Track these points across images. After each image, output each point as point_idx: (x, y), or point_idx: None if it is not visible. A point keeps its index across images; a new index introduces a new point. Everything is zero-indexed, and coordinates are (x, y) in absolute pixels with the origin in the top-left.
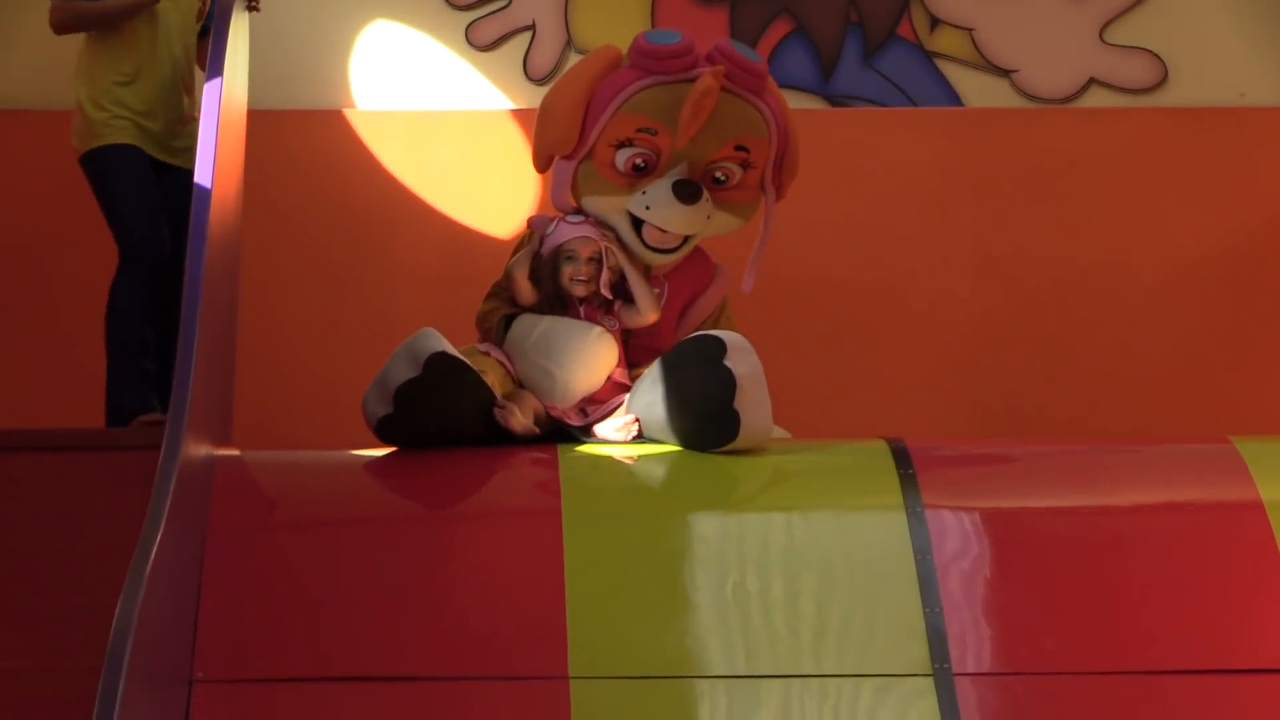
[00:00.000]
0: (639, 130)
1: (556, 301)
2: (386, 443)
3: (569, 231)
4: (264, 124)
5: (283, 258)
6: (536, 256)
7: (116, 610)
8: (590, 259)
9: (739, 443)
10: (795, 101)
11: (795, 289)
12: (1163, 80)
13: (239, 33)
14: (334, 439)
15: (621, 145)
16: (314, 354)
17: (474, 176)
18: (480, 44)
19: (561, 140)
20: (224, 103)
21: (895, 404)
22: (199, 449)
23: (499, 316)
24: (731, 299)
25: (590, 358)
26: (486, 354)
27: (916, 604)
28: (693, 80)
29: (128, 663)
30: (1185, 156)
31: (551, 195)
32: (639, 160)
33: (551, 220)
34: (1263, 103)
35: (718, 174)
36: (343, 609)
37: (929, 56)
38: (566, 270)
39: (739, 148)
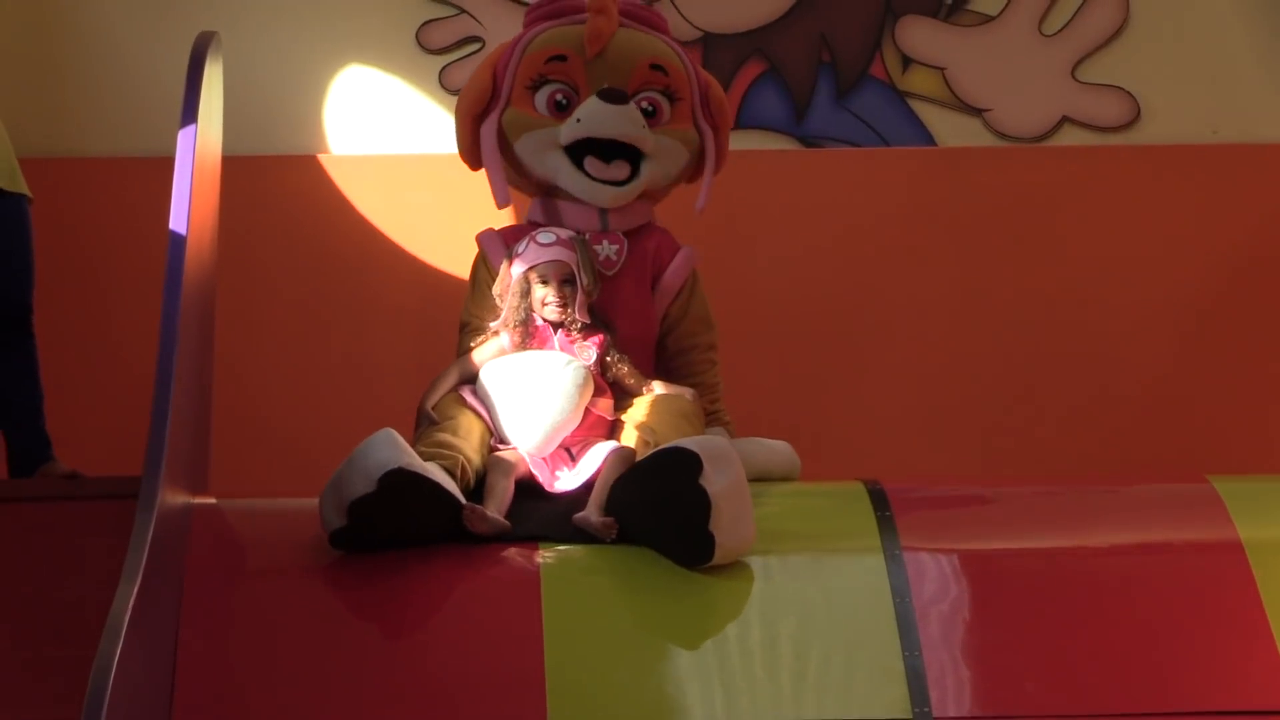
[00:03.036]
0: (548, 61)
1: (523, 329)
2: (343, 551)
3: (540, 254)
4: (238, 169)
5: (258, 303)
6: (504, 276)
7: (94, 662)
8: (564, 282)
9: (715, 561)
10: (768, 142)
11: (769, 328)
12: (1135, 118)
13: (212, 78)
14: (312, 486)
15: (537, 85)
16: (290, 400)
17: (448, 220)
18: (454, 88)
19: (475, 96)
20: (198, 148)
21: (872, 445)
22: (176, 498)
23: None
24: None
25: (560, 395)
26: (466, 404)
27: (896, 647)
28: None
29: (105, 715)
30: (1158, 194)
31: (484, 160)
32: (559, 96)
33: (520, 240)
34: (1235, 139)
35: (644, 104)
36: (321, 658)
37: (901, 96)
38: (537, 295)
39: (655, 67)
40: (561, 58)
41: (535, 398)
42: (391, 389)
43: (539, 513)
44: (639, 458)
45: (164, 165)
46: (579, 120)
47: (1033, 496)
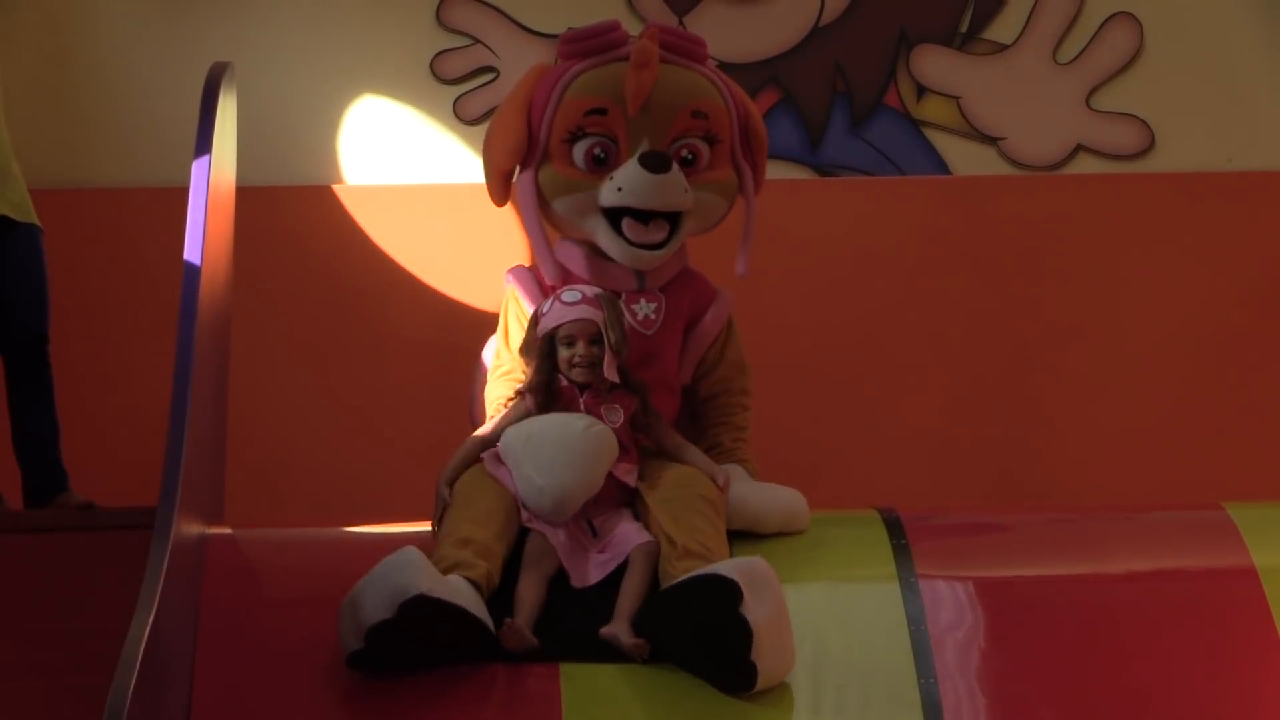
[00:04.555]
0: (587, 114)
1: (547, 393)
2: (360, 671)
3: (565, 313)
4: (253, 200)
5: (273, 333)
6: (530, 337)
7: (110, 692)
8: (591, 342)
9: (758, 689)
10: (783, 171)
11: (784, 357)
12: (1150, 146)
13: (226, 109)
14: (327, 515)
15: (575, 138)
16: (306, 429)
17: (463, 249)
18: (468, 118)
19: (509, 149)
20: (212, 179)
21: (887, 473)
22: (190, 528)
23: (499, 400)
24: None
25: (580, 458)
26: (488, 475)
27: (911, 675)
28: (627, 57)
29: None
30: (1173, 222)
31: (524, 221)
32: (597, 150)
33: (546, 299)
34: (1249, 167)
35: (684, 152)
36: (337, 687)
37: (916, 125)
38: (564, 356)
39: (697, 114)
40: (602, 110)
41: (555, 461)
42: (407, 419)
43: (565, 617)
44: (663, 559)
45: (178, 196)
46: (620, 189)
47: (1048, 524)
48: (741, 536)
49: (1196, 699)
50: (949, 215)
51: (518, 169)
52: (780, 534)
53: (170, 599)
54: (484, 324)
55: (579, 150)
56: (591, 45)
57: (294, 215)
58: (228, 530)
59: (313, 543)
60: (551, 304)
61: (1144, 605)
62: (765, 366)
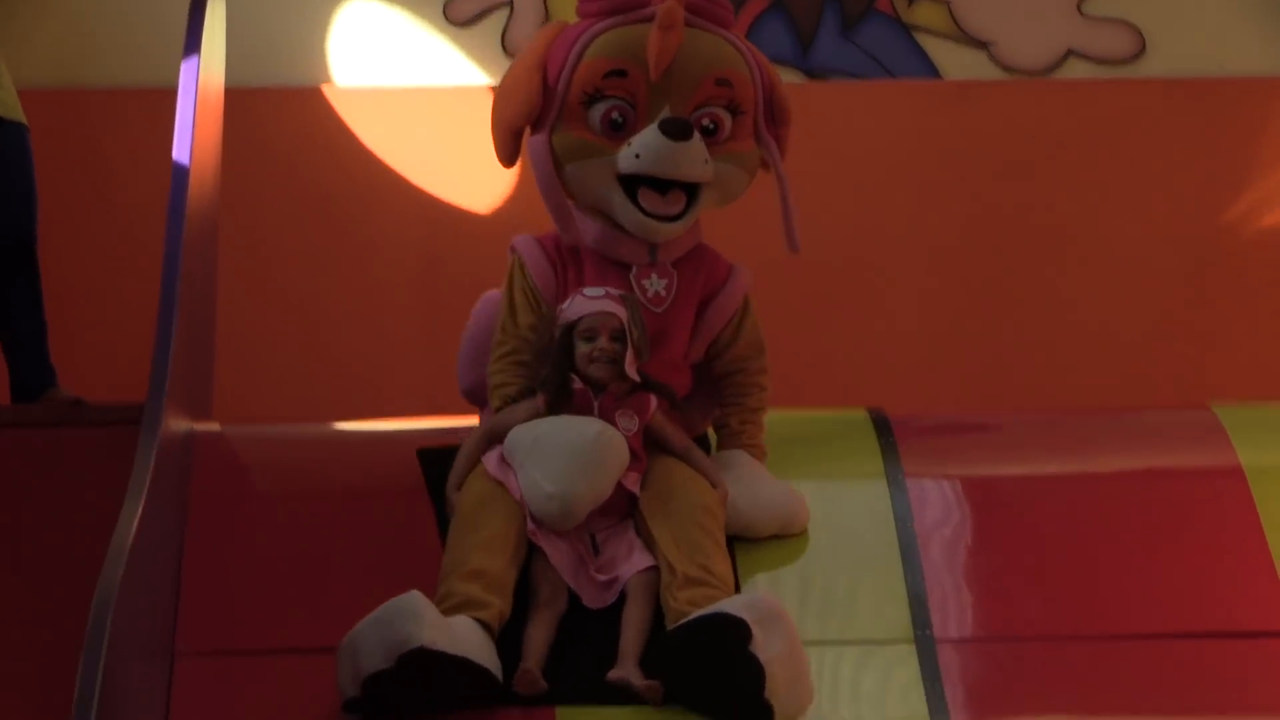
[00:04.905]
0: (606, 75)
1: (560, 392)
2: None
3: (588, 306)
4: (241, 101)
5: (262, 234)
6: (547, 337)
7: (97, 585)
8: (613, 337)
9: None
10: None
11: (774, 258)
12: (1141, 51)
13: (215, 9)
14: (314, 412)
15: (592, 100)
16: (294, 328)
17: (452, 152)
18: (458, 20)
19: (522, 107)
20: (201, 79)
21: (876, 373)
22: (179, 423)
23: (503, 394)
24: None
25: (590, 466)
26: (491, 480)
27: (898, 571)
28: (651, 18)
29: (109, 637)
30: (1164, 127)
31: (539, 185)
32: (615, 114)
33: (554, 270)
34: (1241, 73)
35: (705, 121)
36: (324, 582)
37: (907, 29)
38: (582, 351)
39: (720, 82)
40: (622, 73)
41: (564, 467)
42: (396, 320)
43: (568, 655)
44: (664, 588)
45: (167, 97)
46: (638, 156)
47: (1035, 424)
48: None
49: (1182, 597)
50: (939, 119)
51: (529, 130)
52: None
53: (158, 494)
54: (472, 225)
55: (596, 113)
56: (614, 3)
57: (282, 116)
58: (216, 426)
59: (301, 439)
60: (573, 299)
61: (1131, 504)
62: (754, 268)
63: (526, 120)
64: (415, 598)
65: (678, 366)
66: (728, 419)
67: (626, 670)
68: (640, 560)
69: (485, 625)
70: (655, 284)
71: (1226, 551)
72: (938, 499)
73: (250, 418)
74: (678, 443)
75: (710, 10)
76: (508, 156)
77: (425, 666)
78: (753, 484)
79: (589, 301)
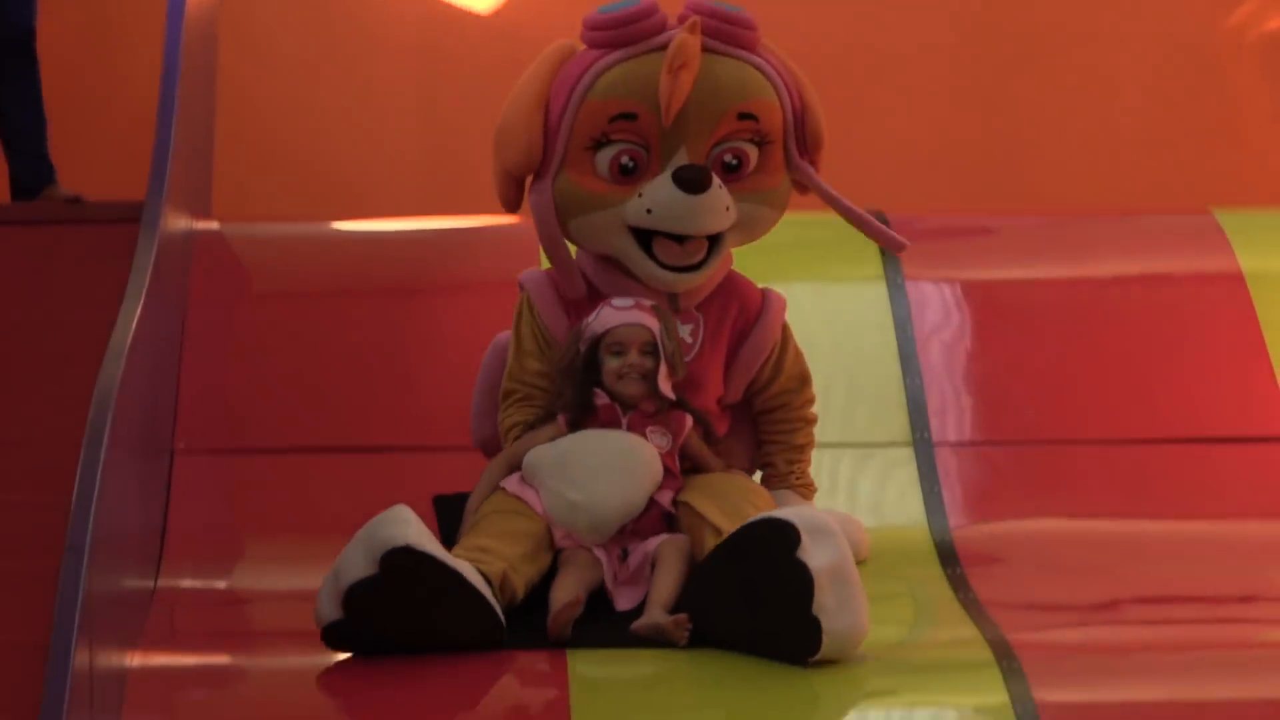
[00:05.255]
0: (615, 119)
1: (583, 411)
2: (338, 650)
3: (616, 318)
4: None
5: (260, 31)
6: (572, 353)
7: (97, 383)
8: (644, 352)
9: (822, 655)
10: None
11: None
12: None
13: None
14: (312, 211)
15: (599, 145)
16: (292, 127)
17: None
18: None
19: (522, 155)
20: None
21: (875, 175)
22: (178, 221)
23: (518, 433)
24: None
25: (621, 474)
26: (510, 495)
27: (897, 375)
28: (665, 46)
29: (109, 433)
30: None
31: (540, 237)
32: (625, 159)
33: (566, 312)
34: None
35: (727, 158)
36: (321, 381)
37: None
38: (611, 367)
39: (744, 115)
40: (631, 115)
41: (592, 475)
42: (395, 119)
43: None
44: (705, 547)
45: None
46: (650, 211)
47: (1035, 227)
48: None
49: (1180, 401)
50: None
51: (532, 175)
52: None
53: (158, 292)
54: (470, 25)
55: (603, 159)
56: (622, 33)
57: None
58: (215, 225)
59: (300, 238)
60: (599, 311)
61: (1130, 307)
62: None
63: (528, 170)
64: (400, 508)
65: (713, 414)
66: (773, 459)
67: (653, 616)
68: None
69: (486, 578)
70: (680, 332)
71: (1225, 357)
72: (938, 302)
73: (249, 217)
74: (717, 465)
75: (729, 33)
76: (510, 203)
77: (412, 572)
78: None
79: (617, 313)
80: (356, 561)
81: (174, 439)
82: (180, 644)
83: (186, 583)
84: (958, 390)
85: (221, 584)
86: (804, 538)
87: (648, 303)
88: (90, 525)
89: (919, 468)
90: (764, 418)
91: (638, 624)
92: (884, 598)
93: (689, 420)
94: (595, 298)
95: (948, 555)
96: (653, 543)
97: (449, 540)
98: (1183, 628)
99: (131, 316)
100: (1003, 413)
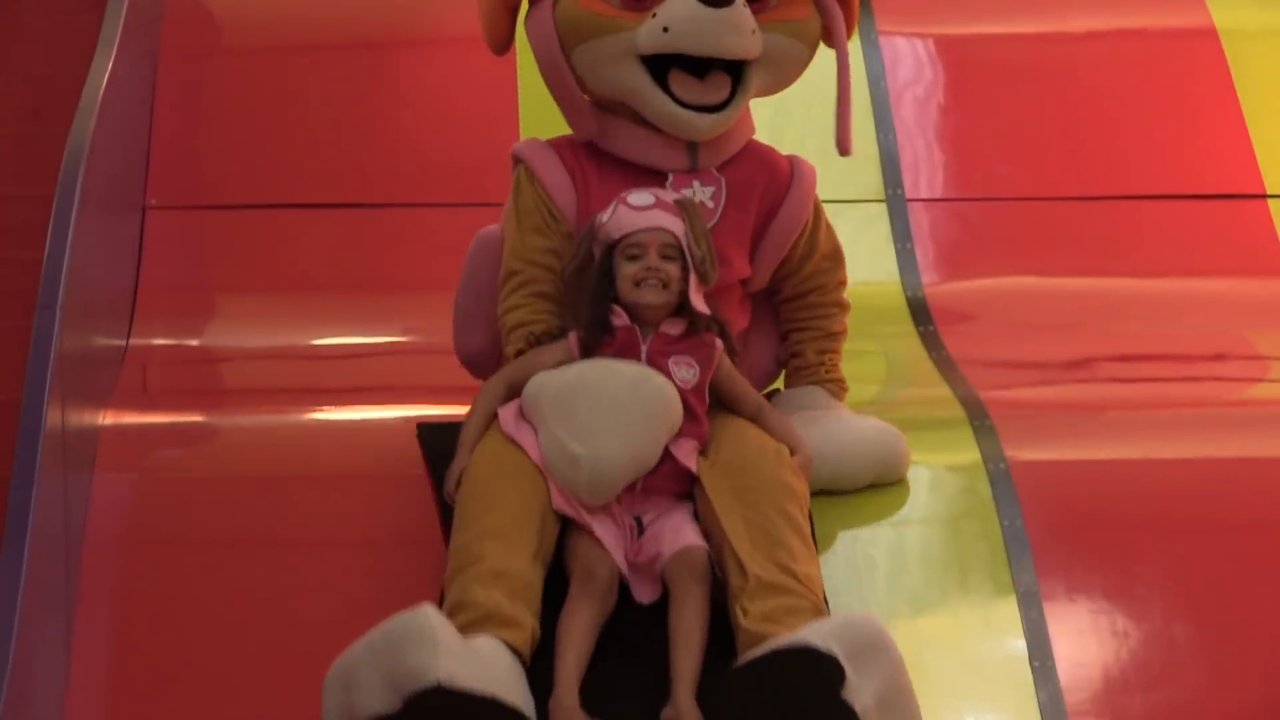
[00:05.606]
0: None
1: (599, 330)
2: None
3: (633, 218)
4: None
5: None
6: (582, 258)
7: (68, 138)
8: (665, 256)
9: None
10: None
11: None
12: None
13: None
14: None
15: None
16: None
17: None
18: None
19: None
20: None
21: None
22: None
23: (523, 336)
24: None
25: (630, 422)
26: (511, 444)
27: (870, 131)
28: None
29: (80, 188)
30: None
31: (542, 73)
32: None
33: (574, 183)
34: None
35: None
36: (293, 136)
37: None
38: (627, 273)
39: None
40: None
41: (597, 422)
42: None
43: (609, 678)
44: (733, 594)
45: None
46: (666, 29)
47: None
48: None
49: (1154, 160)
50: None
51: (526, 2)
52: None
53: (129, 45)
54: None
55: None
56: None
57: None
58: None
59: None
60: (614, 209)
61: (1102, 64)
62: None
63: None
64: (427, 616)
65: (734, 297)
66: (802, 349)
67: (683, 708)
68: (685, 536)
69: (515, 651)
70: (700, 193)
71: (1198, 114)
72: (910, 58)
73: None
74: (750, 401)
75: None
76: (500, 42)
77: (442, 708)
78: (840, 426)
79: (634, 213)
80: (373, 687)
81: (145, 195)
82: (152, 402)
83: (158, 340)
84: (931, 147)
85: (193, 341)
86: (849, 674)
87: (671, 197)
88: (63, 283)
89: (892, 224)
90: (792, 304)
91: (667, 715)
92: (858, 355)
93: (720, 347)
94: (603, 163)
95: (920, 312)
96: (668, 540)
97: (439, 472)
98: (1153, 386)
99: (103, 73)
100: (975, 169)
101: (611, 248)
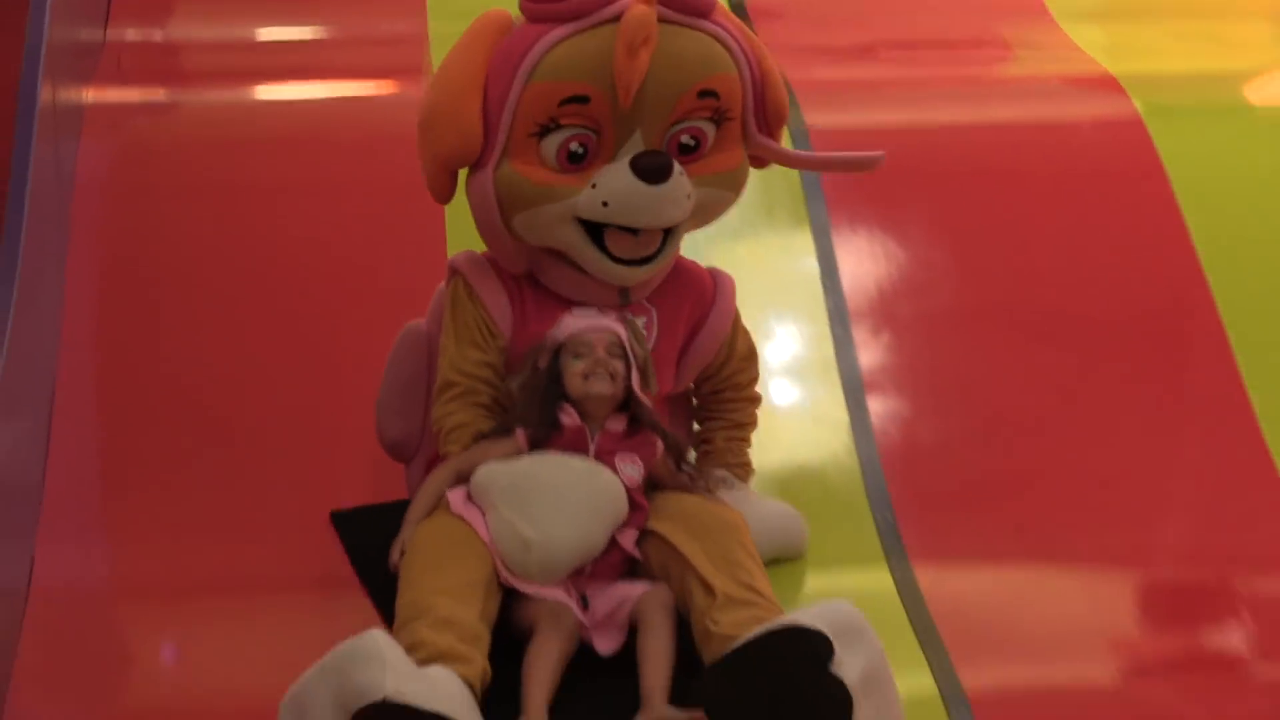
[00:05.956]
0: (564, 102)
1: (547, 427)
2: None
3: (575, 324)
4: None
5: None
6: (532, 368)
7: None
8: (611, 353)
9: None
10: None
11: None
12: None
13: None
14: None
15: (545, 130)
16: None
17: None
18: None
19: (457, 145)
20: None
21: None
22: None
23: (463, 436)
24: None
25: (580, 509)
26: (455, 517)
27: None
28: (618, 18)
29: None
30: None
31: (479, 227)
32: (575, 146)
33: (508, 297)
34: None
35: (684, 138)
36: None
37: None
38: (576, 369)
39: (704, 93)
40: (583, 99)
41: (548, 509)
42: None
43: (580, 706)
44: (697, 612)
45: None
46: (606, 204)
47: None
48: None
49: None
50: None
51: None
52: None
53: None
54: None
55: (550, 145)
56: (568, 7)
57: None
58: None
59: None
60: (560, 322)
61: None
62: None
63: (465, 161)
64: (375, 638)
65: (661, 408)
66: (712, 435)
67: (655, 713)
68: (644, 587)
69: (468, 684)
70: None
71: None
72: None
73: None
74: (677, 483)
75: (688, 2)
76: (442, 194)
77: None
78: (746, 508)
79: (578, 320)
80: (324, 708)
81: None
82: (127, 83)
83: (130, 33)
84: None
85: (160, 34)
86: (837, 649)
87: (611, 313)
88: None
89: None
90: (708, 397)
91: None
92: None
93: (660, 445)
94: (537, 286)
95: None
96: (634, 591)
97: (362, 558)
98: (925, 67)
99: None
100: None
101: (558, 350)
